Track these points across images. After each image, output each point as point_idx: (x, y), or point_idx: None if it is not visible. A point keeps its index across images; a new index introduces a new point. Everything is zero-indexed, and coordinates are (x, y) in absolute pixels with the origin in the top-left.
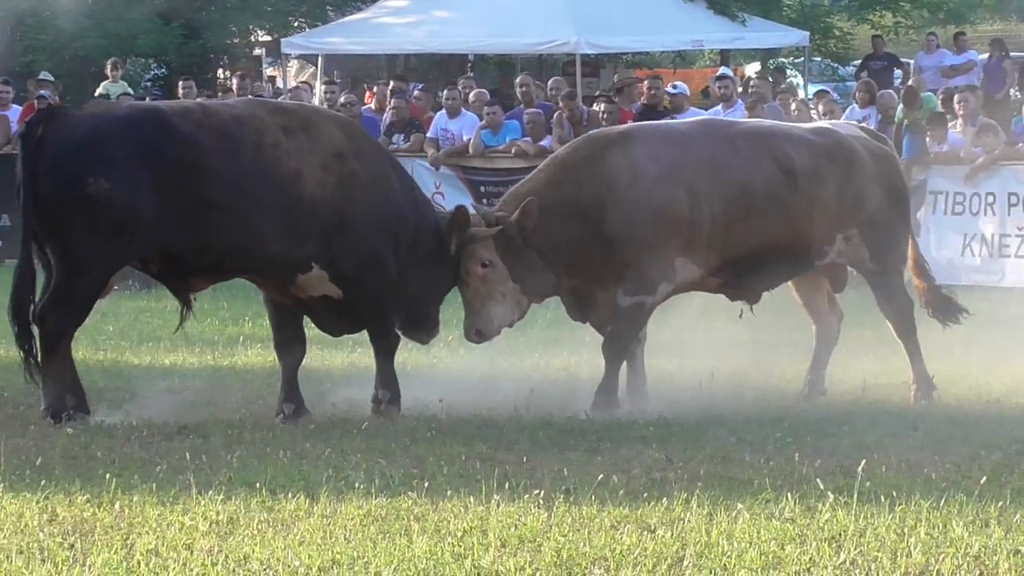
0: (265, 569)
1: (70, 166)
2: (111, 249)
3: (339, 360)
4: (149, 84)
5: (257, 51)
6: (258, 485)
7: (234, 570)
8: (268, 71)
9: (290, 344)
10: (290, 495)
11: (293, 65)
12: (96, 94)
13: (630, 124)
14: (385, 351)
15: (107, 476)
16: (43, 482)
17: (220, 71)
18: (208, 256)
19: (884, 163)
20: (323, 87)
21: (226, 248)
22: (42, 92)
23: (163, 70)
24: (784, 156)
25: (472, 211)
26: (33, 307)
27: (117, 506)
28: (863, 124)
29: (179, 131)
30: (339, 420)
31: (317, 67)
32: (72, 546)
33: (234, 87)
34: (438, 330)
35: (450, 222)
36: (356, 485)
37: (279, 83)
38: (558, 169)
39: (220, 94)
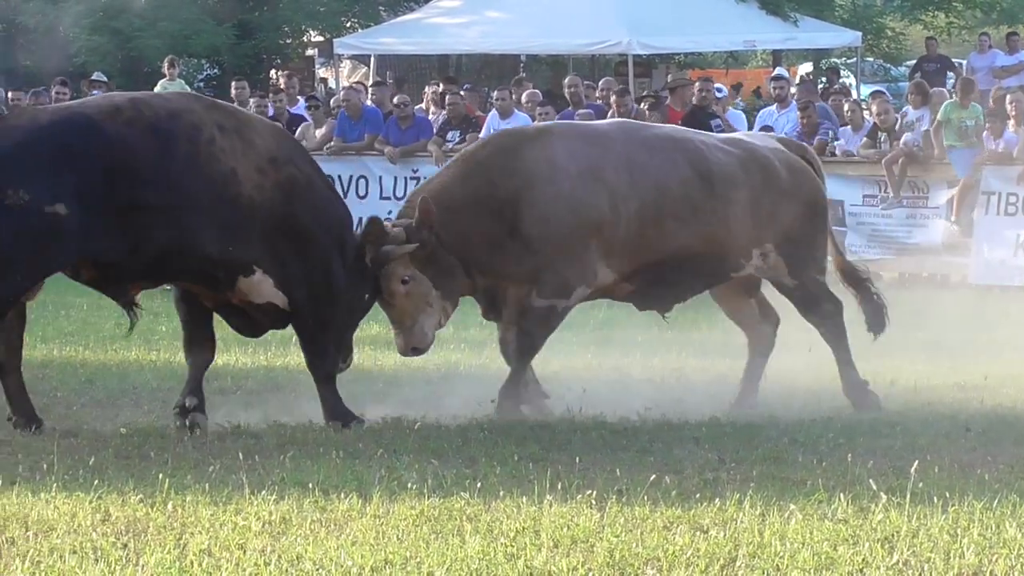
0: (318, 569)
1: None
2: (33, 258)
3: (391, 361)
4: (202, 85)
5: (310, 52)
6: (311, 485)
7: (287, 570)
8: (320, 72)
9: (201, 343)
10: (343, 495)
11: (346, 65)
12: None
13: (549, 122)
14: (325, 375)
15: (160, 476)
16: (96, 482)
17: (273, 71)
18: (142, 260)
19: (801, 176)
20: (371, 87)
21: (161, 251)
22: (95, 92)
23: (216, 70)
24: (700, 160)
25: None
26: None
27: (170, 506)
28: (782, 135)
29: (105, 134)
30: (392, 420)
31: (370, 68)
32: (125, 546)
33: (283, 86)
34: (352, 357)
35: (363, 236)
36: (409, 485)
37: (331, 83)
38: (469, 165)
39: (272, 94)
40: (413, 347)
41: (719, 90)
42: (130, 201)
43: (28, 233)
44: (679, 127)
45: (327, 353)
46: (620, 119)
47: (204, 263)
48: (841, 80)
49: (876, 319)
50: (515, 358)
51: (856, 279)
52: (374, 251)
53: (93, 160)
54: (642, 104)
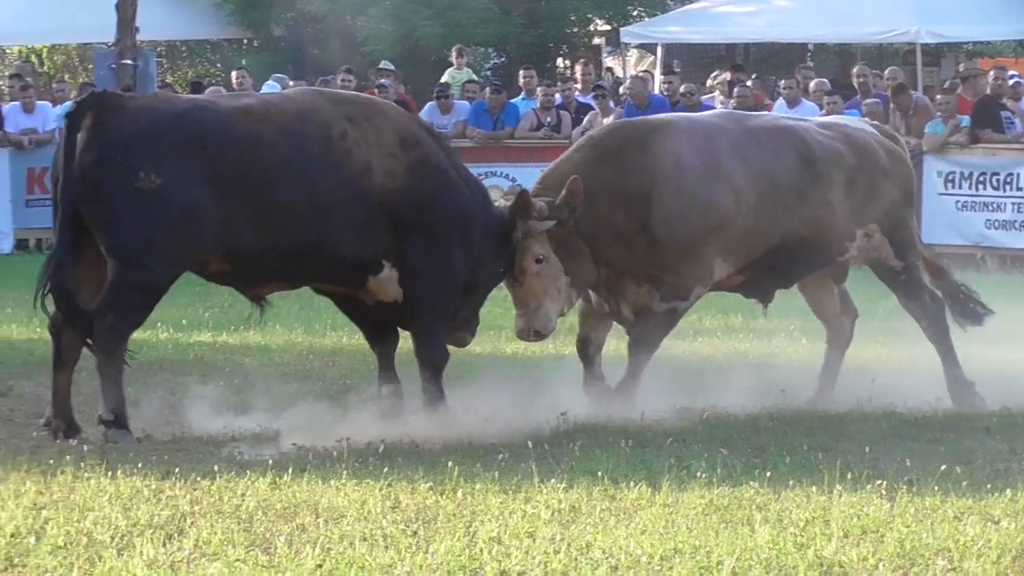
0: (607, 557)
1: (120, 157)
2: (169, 245)
3: (678, 350)
4: (489, 73)
5: (596, 40)
6: (600, 473)
7: (576, 558)
8: (607, 61)
9: (382, 333)
10: (632, 484)
11: (632, 55)
12: (440, 82)
13: (669, 114)
14: (434, 366)
15: (450, 464)
16: (386, 469)
17: (559, 60)
18: (275, 260)
19: (897, 161)
20: (663, 76)
21: (295, 251)
22: (382, 81)
23: (503, 59)
24: (803, 145)
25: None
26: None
27: (460, 494)
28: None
29: (237, 129)
30: (681, 409)
31: (656, 56)
32: (415, 533)
33: (578, 75)
34: (477, 329)
35: (512, 209)
36: (698, 474)
37: (618, 72)
38: (599, 151)
39: (559, 83)
40: (535, 331)
41: (1017, 80)
42: (265, 198)
43: (162, 219)
44: (780, 115)
45: (439, 341)
46: (725, 110)
47: (337, 263)
48: None
49: (967, 313)
50: (634, 358)
51: (942, 271)
52: (522, 223)
53: (226, 152)
54: (939, 96)
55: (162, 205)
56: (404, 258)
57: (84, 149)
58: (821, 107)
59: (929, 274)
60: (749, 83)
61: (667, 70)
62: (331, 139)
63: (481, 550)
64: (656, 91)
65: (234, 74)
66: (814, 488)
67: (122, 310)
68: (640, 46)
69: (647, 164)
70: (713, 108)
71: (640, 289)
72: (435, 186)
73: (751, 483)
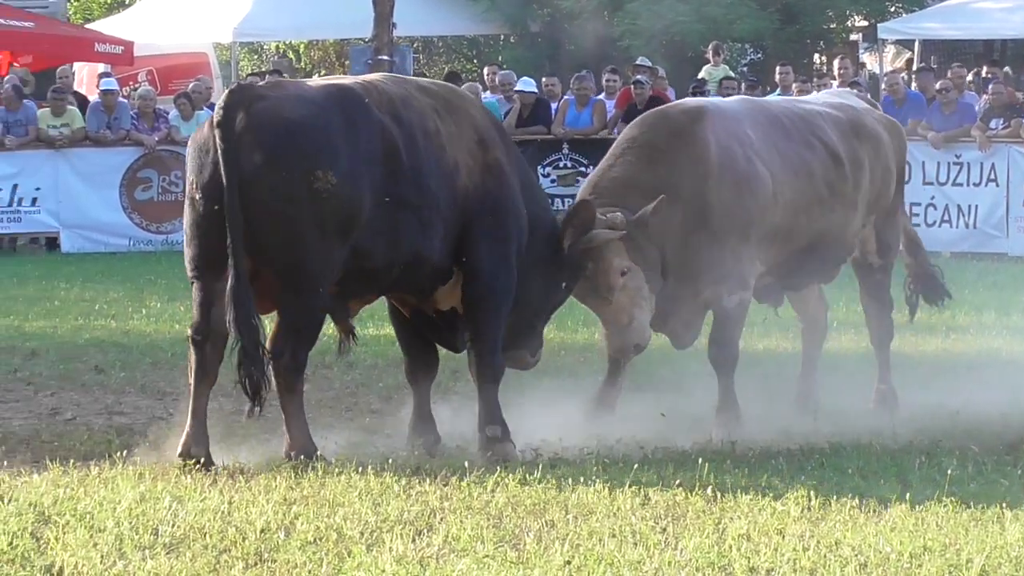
0: (856, 555)
1: (293, 157)
2: (337, 255)
3: (931, 346)
4: (745, 69)
5: (853, 36)
6: (850, 471)
7: (825, 555)
8: (863, 56)
9: (427, 365)
10: (882, 481)
11: (889, 50)
12: (697, 78)
13: (697, 100)
14: (491, 377)
15: (700, 461)
16: (636, 466)
17: (816, 56)
18: (393, 268)
19: (898, 139)
20: (914, 73)
21: (405, 257)
22: (639, 77)
23: (759, 55)
24: (829, 139)
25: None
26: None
27: (709, 491)
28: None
29: (375, 113)
30: (932, 405)
31: (913, 52)
32: (664, 530)
33: (836, 72)
34: (542, 350)
35: (568, 218)
36: (948, 471)
37: (872, 68)
38: (647, 151)
39: (816, 80)
40: (636, 344)
41: None
42: (394, 195)
43: (335, 224)
44: (794, 100)
45: (495, 355)
46: (741, 97)
47: (427, 269)
48: None
49: (934, 288)
50: (722, 367)
51: (916, 245)
52: (576, 236)
53: (374, 141)
54: None
55: (337, 207)
56: (468, 264)
57: (248, 151)
58: None
59: (909, 251)
60: (1002, 79)
61: (925, 66)
62: (429, 133)
63: (730, 547)
64: (913, 87)
65: (486, 70)
66: None
67: (301, 344)
68: (897, 42)
69: (693, 157)
70: (971, 105)
71: (691, 293)
72: (502, 191)
73: (1002, 480)
